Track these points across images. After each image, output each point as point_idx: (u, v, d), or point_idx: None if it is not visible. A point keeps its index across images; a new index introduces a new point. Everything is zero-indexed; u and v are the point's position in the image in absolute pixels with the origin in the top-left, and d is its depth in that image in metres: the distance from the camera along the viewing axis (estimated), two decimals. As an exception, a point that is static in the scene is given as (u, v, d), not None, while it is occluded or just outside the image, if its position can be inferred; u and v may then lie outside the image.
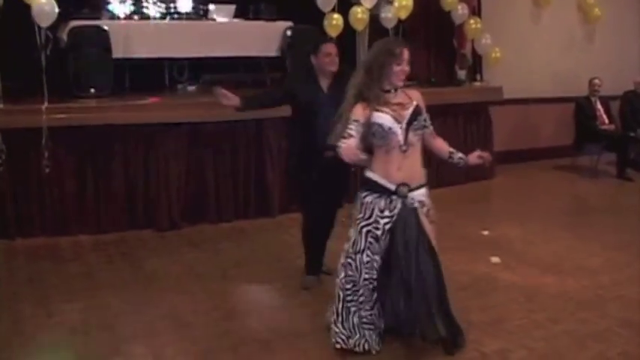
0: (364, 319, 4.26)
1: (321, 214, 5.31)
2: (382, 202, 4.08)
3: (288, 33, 8.33)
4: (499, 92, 9.60)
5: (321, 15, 8.24)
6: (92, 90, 7.20)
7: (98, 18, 7.66)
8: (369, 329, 4.27)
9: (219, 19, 8.40)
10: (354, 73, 4.29)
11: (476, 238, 6.76)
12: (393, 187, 4.06)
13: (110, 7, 7.93)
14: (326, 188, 5.20)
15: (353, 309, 4.26)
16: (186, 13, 8.33)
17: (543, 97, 10.64)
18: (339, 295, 4.30)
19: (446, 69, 9.94)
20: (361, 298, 4.23)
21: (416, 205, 4.09)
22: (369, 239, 4.13)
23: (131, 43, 7.57)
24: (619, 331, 4.66)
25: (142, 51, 7.67)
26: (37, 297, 5.28)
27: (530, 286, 5.52)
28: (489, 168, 9.35)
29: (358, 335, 4.27)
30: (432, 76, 9.59)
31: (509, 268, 5.97)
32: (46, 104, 6.56)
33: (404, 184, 4.05)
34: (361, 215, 4.15)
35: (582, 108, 10.01)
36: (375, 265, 4.16)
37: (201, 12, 8.40)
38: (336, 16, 8.23)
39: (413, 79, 4.27)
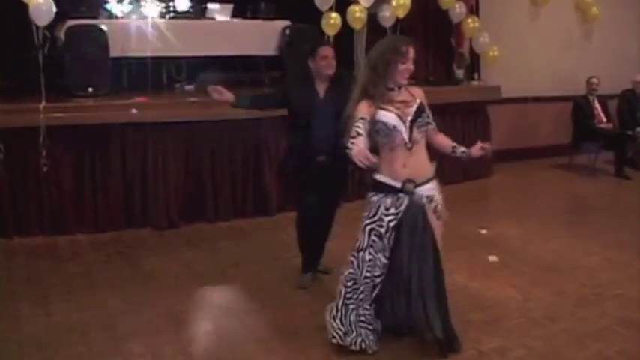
0: (362, 318, 4.26)
1: (315, 216, 5.32)
2: (389, 201, 4.08)
3: (286, 32, 8.32)
4: (497, 91, 9.61)
5: (319, 14, 8.23)
6: (90, 89, 7.17)
7: (96, 17, 7.63)
8: (367, 328, 4.27)
9: (218, 18, 8.38)
10: (358, 71, 4.30)
11: (474, 236, 6.76)
12: (399, 185, 4.06)
13: (108, 6, 7.90)
14: (320, 190, 5.21)
15: (352, 306, 4.26)
16: (184, 12, 8.31)
17: (541, 96, 10.66)
18: (340, 291, 4.31)
19: (444, 68, 9.94)
20: (361, 296, 4.23)
21: (424, 200, 4.08)
22: (372, 237, 4.13)
23: (129, 42, 7.55)
24: (618, 330, 4.67)
25: (140, 50, 7.65)
26: (36, 296, 5.28)
27: (528, 284, 5.53)
28: (487, 167, 9.40)
29: (355, 333, 4.27)
30: (430, 75, 9.58)
31: (507, 266, 5.98)
32: (43, 103, 6.54)
33: (410, 181, 4.05)
34: (366, 214, 4.16)
35: (580, 107, 10.03)
36: (377, 263, 4.15)
37: (199, 11, 8.39)
38: (334, 15, 8.21)
39: (411, 78, 4.25)
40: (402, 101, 4.12)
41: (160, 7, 8.11)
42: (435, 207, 4.14)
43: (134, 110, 6.85)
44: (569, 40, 11.03)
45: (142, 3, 8.03)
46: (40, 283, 5.59)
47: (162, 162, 7.09)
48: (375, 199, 4.12)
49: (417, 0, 8.93)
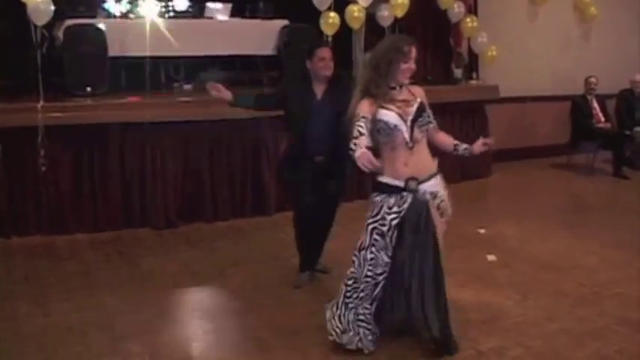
0: (361, 317, 4.25)
1: (312, 216, 5.32)
2: (392, 200, 4.07)
3: (285, 32, 8.32)
4: (495, 91, 9.61)
5: (317, 13, 8.23)
6: (88, 89, 7.17)
7: (94, 16, 7.63)
8: (365, 328, 4.26)
9: (216, 17, 8.38)
10: (356, 71, 4.30)
11: (472, 236, 6.76)
12: (401, 184, 4.05)
13: (106, 5, 7.90)
14: (319, 190, 5.22)
15: (351, 305, 4.26)
16: (183, 12, 8.31)
17: (540, 96, 10.66)
18: (341, 290, 4.31)
19: (442, 67, 9.93)
20: (361, 294, 4.22)
21: (427, 196, 4.08)
22: (374, 236, 4.12)
23: (127, 41, 7.55)
24: (616, 329, 4.66)
25: (138, 49, 7.64)
26: (34, 296, 5.27)
27: (527, 283, 5.53)
28: (486, 166, 9.41)
29: (352, 332, 4.27)
30: (429, 75, 9.58)
31: (505, 266, 5.98)
32: (41, 103, 6.55)
33: (412, 178, 4.04)
34: (369, 214, 4.16)
35: (578, 106, 10.03)
36: (379, 261, 4.14)
37: (198, 10, 8.38)
38: (332, 14, 8.21)
39: (411, 78, 4.26)
40: (403, 100, 4.12)
41: (158, 7, 8.10)
42: (439, 203, 4.13)
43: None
44: (568, 39, 11.04)
45: (141, 2, 8.02)
46: (38, 282, 5.59)
47: (160, 161, 7.09)
48: (378, 198, 4.12)
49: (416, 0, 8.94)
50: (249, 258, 6.20)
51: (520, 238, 6.74)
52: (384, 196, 4.10)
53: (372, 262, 4.15)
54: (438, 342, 4.20)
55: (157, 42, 7.67)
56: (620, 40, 11.35)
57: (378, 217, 4.11)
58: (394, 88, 4.12)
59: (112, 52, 7.37)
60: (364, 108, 4.04)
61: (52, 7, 6.66)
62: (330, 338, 4.32)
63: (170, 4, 8.21)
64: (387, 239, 4.10)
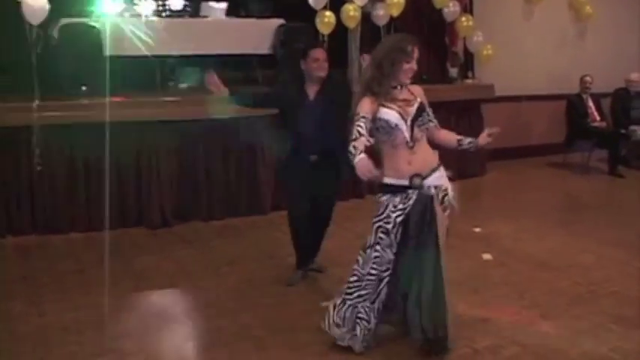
0: (360, 314, 4.24)
1: (307, 215, 5.32)
2: (397, 199, 4.07)
3: (281, 31, 8.32)
4: (491, 90, 9.63)
5: (313, 12, 8.23)
6: (83, 88, 7.16)
7: (89, 15, 7.61)
8: (364, 326, 4.25)
9: (212, 16, 8.37)
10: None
11: (468, 235, 6.75)
12: (406, 183, 4.05)
13: (101, 4, 7.88)
14: (314, 189, 5.22)
15: (349, 302, 4.25)
16: (179, 11, 8.30)
17: (535, 95, 10.68)
18: (344, 285, 4.32)
19: (438, 67, 9.94)
20: (363, 292, 4.21)
21: (432, 191, 4.07)
22: (379, 234, 4.12)
23: (122, 40, 7.53)
24: (612, 327, 4.67)
25: (134, 49, 7.64)
26: (29, 295, 5.26)
27: (523, 282, 5.53)
28: (481, 165, 9.42)
29: (345, 329, 4.28)
30: (424, 74, 9.56)
31: (501, 264, 5.98)
32: (36, 102, 6.53)
33: (416, 175, 4.05)
34: (375, 214, 4.15)
35: (574, 105, 10.06)
36: (384, 259, 4.13)
37: (194, 9, 8.37)
38: (328, 13, 8.21)
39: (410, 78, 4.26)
40: (404, 100, 4.12)
41: (154, 6, 8.09)
42: (443, 196, 4.13)
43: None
44: (563, 38, 11.06)
45: (137, 1, 8.01)
46: (33, 282, 5.58)
47: (155, 161, 7.09)
48: (384, 198, 4.12)
49: (411, -2, 8.95)
50: (244, 257, 6.20)
51: (515, 237, 6.75)
52: (389, 195, 4.10)
53: (377, 260, 4.15)
54: (431, 343, 4.19)
55: (153, 41, 7.67)
56: (616, 39, 11.37)
57: (383, 215, 4.11)
58: (395, 88, 4.12)
59: (107, 51, 7.34)
60: (365, 106, 4.03)
61: (47, 6, 6.64)
62: (321, 325, 4.34)
63: (166, 3, 8.20)
64: (392, 236, 4.10)
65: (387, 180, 4.10)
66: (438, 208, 4.10)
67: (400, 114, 4.04)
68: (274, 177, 7.30)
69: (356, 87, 4.91)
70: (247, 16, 8.69)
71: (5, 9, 6.70)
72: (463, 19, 9.47)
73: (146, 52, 7.73)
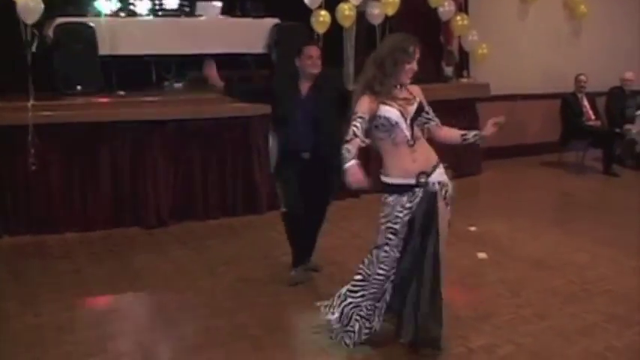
0: (361, 313, 4.26)
1: (301, 212, 5.32)
2: (404, 198, 4.08)
3: (275, 30, 8.32)
4: (486, 89, 9.63)
5: (308, 12, 8.22)
6: (78, 87, 7.15)
7: (84, 15, 7.60)
8: (364, 325, 4.26)
9: (206, 15, 8.36)
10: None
11: (463, 234, 6.76)
12: (413, 181, 4.06)
13: (96, 3, 7.87)
14: (307, 187, 5.23)
15: (350, 300, 4.27)
16: (173, 10, 8.29)
17: (530, 94, 10.68)
18: (349, 283, 4.33)
19: (433, 66, 9.91)
20: (365, 292, 4.22)
21: (436, 187, 4.09)
22: (388, 235, 4.13)
23: (117, 40, 7.52)
24: (606, 326, 4.69)
25: (129, 48, 7.63)
26: (24, 295, 5.26)
27: (517, 281, 5.55)
28: (476, 164, 9.42)
29: (340, 325, 4.31)
30: (419, 73, 9.55)
31: (496, 263, 6.00)
32: (31, 101, 6.52)
33: (422, 173, 4.07)
34: (383, 214, 4.15)
35: (569, 104, 10.07)
36: (392, 259, 4.15)
37: (188, 9, 8.36)
38: (323, 13, 8.21)
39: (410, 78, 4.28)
40: (405, 99, 4.14)
41: (149, 5, 8.08)
42: (446, 192, 4.15)
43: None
44: (558, 37, 11.06)
45: (131, 1, 8.00)
46: (28, 282, 5.57)
47: (151, 160, 7.07)
48: (390, 199, 4.11)
49: (406, -3, 8.94)
50: (240, 256, 6.20)
51: (510, 236, 6.77)
52: (396, 196, 4.10)
53: (386, 260, 4.16)
54: (421, 343, 4.20)
55: (148, 40, 7.66)
56: (611, 37, 11.37)
57: (392, 216, 4.11)
58: (395, 87, 4.14)
59: (103, 50, 7.34)
60: (364, 105, 4.02)
61: (42, 6, 6.62)
62: (318, 303, 4.43)
63: (161, 2, 8.19)
64: (400, 236, 4.11)
65: (394, 180, 4.11)
66: (441, 204, 4.12)
67: (401, 112, 4.06)
68: (270, 177, 7.29)
69: (351, 86, 4.92)
70: (242, 15, 8.68)
71: (0, 9, 6.68)
72: (458, 18, 9.47)
73: (141, 52, 7.73)
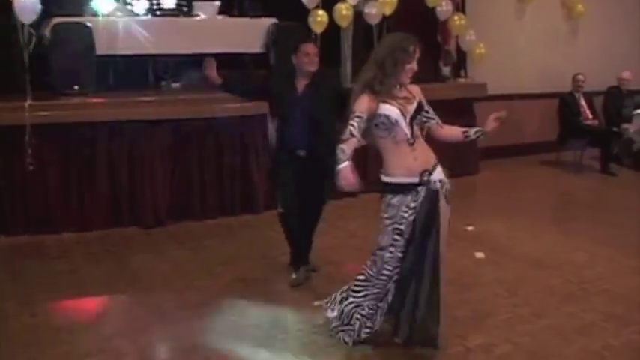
0: (363, 312, 4.25)
1: (296, 211, 5.32)
2: (409, 198, 4.08)
3: (273, 30, 8.31)
4: (483, 88, 9.63)
5: (305, 12, 8.22)
6: (76, 87, 7.14)
7: (81, 14, 7.59)
8: (364, 324, 4.26)
9: (204, 15, 8.36)
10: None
11: (460, 233, 6.75)
12: (416, 180, 4.07)
13: (93, 3, 7.86)
14: (303, 187, 5.23)
15: (352, 298, 4.27)
16: (171, 10, 8.28)
17: (528, 93, 10.68)
18: (352, 283, 4.33)
19: (430, 65, 9.90)
20: (368, 292, 4.23)
21: (437, 185, 4.09)
22: (395, 236, 4.12)
23: (115, 39, 7.51)
24: (603, 325, 4.69)
25: (126, 48, 7.62)
26: (22, 295, 5.25)
27: (515, 280, 5.55)
28: (474, 163, 9.42)
29: (339, 322, 4.32)
30: (417, 72, 9.57)
31: (493, 263, 6.00)
32: (29, 101, 6.51)
33: (424, 171, 4.07)
34: (387, 215, 4.13)
35: (566, 104, 10.08)
36: (396, 260, 4.14)
37: (186, 8, 8.36)
38: (320, 12, 8.21)
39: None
40: (404, 97, 4.14)
41: (146, 5, 8.07)
42: (446, 190, 4.15)
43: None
44: (556, 37, 11.06)
45: (128, 0, 8.00)
46: (26, 282, 5.57)
47: (149, 160, 7.07)
48: (395, 200, 4.10)
49: (404, -3, 8.94)
50: (237, 256, 6.19)
51: (508, 235, 6.77)
52: (400, 196, 4.09)
53: (391, 260, 4.15)
54: (418, 342, 4.20)
55: (145, 40, 7.65)
56: (608, 37, 11.38)
57: (397, 217, 4.10)
58: (395, 87, 4.14)
59: (100, 50, 7.33)
60: (362, 104, 4.02)
61: (39, 5, 6.62)
62: (323, 305, 4.42)
63: (158, 2, 8.18)
64: (405, 236, 4.11)
65: (397, 179, 4.10)
66: (442, 203, 4.13)
67: (401, 110, 4.06)
68: (267, 176, 7.30)
69: (349, 85, 4.92)
70: (240, 15, 8.68)
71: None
72: (456, 17, 9.47)
73: (138, 52, 7.72)
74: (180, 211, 7.26)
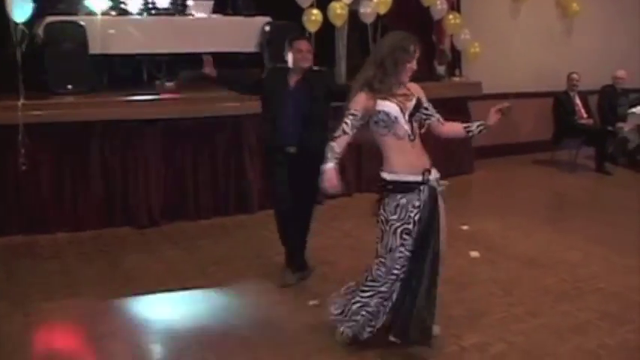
0: (368, 309, 4.23)
1: (288, 207, 5.31)
2: (414, 197, 4.06)
3: (267, 28, 8.30)
4: (478, 87, 9.63)
5: (299, 11, 8.22)
6: (69, 86, 7.11)
7: (75, 13, 7.56)
8: (367, 322, 4.24)
9: (198, 14, 8.34)
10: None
11: (455, 232, 6.72)
12: (420, 178, 4.06)
13: (87, 2, 7.83)
14: (294, 184, 5.22)
15: (358, 297, 4.24)
16: (165, 9, 8.26)
17: (522, 92, 10.65)
18: (360, 282, 4.30)
19: (425, 64, 9.90)
20: (377, 291, 4.19)
21: (436, 184, 4.10)
22: (404, 236, 4.09)
23: (108, 38, 7.49)
24: (598, 324, 4.70)
25: (120, 47, 7.61)
26: (14, 295, 5.23)
27: (510, 279, 5.55)
28: (469, 163, 9.42)
29: (342, 316, 4.30)
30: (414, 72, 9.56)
31: (488, 262, 5.99)
32: (21, 101, 6.47)
33: (426, 170, 4.08)
34: (395, 217, 4.08)
35: (561, 103, 10.09)
36: (404, 259, 4.12)
37: (180, 7, 8.34)
38: (315, 11, 8.20)
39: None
40: (403, 94, 4.13)
41: (140, 4, 8.05)
42: (442, 189, 4.15)
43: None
44: (550, 36, 11.07)
45: (122, -1, 7.98)
46: (19, 282, 5.54)
47: (143, 160, 7.05)
48: (403, 200, 4.06)
49: (398, -4, 8.94)
50: (231, 256, 6.18)
51: (503, 235, 6.77)
52: (408, 195, 4.07)
53: (400, 260, 4.13)
54: (416, 333, 4.18)
55: (139, 39, 7.64)
56: (603, 36, 11.40)
57: (405, 217, 4.07)
58: (395, 85, 4.13)
59: (93, 49, 7.31)
60: (359, 102, 4.02)
61: (32, 4, 6.59)
62: (328, 299, 4.43)
63: (152, 0, 8.15)
64: (413, 235, 4.10)
65: (402, 177, 4.06)
66: (440, 202, 4.12)
67: (400, 107, 4.05)
68: (261, 176, 7.28)
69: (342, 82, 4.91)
70: (233, 14, 8.66)
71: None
72: (450, 16, 9.46)
73: (132, 51, 7.70)
74: (174, 210, 7.24)
